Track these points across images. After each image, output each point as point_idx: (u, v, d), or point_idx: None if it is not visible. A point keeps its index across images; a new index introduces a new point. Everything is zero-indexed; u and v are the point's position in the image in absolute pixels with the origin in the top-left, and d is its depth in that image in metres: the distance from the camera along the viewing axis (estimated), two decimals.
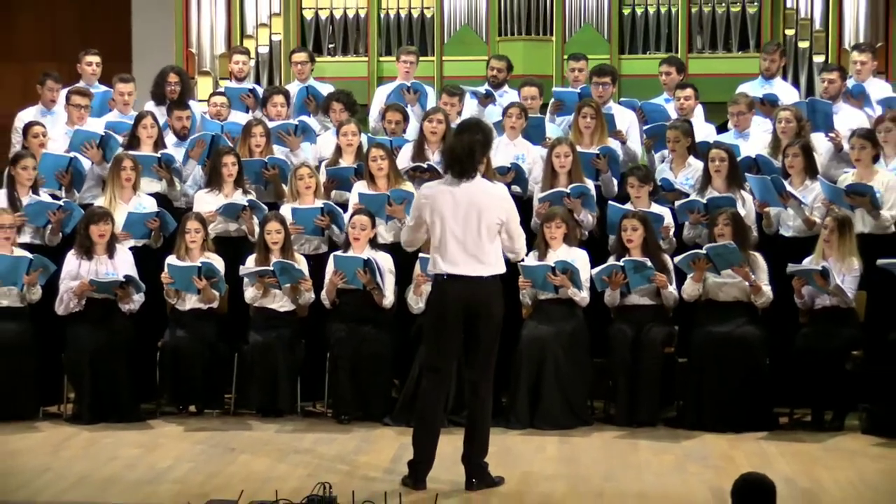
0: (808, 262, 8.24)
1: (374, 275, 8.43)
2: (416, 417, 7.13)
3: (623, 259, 8.31)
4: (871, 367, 8.15)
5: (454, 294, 6.81)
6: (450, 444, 6.98)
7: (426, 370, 7.10)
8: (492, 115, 9.80)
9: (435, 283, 6.96)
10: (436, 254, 6.84)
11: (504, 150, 9.20)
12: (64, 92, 10.03)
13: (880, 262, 8.09)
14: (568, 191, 8.72)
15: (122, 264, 8.63)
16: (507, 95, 10.12)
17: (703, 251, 8.25)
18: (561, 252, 8.43)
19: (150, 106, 10.00)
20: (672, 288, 8.37)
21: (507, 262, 7.51)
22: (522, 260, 8.22)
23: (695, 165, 9.12)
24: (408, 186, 8.87)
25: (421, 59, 11.04)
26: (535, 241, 8.51)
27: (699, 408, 8.23)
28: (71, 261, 8.60)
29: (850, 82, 9.79)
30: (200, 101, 10.52)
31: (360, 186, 8.94)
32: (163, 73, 10.23)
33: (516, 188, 8.91)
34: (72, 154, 9.31)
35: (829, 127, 9.32)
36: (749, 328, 8.25)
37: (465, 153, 6.81)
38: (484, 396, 6.96)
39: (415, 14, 11.56)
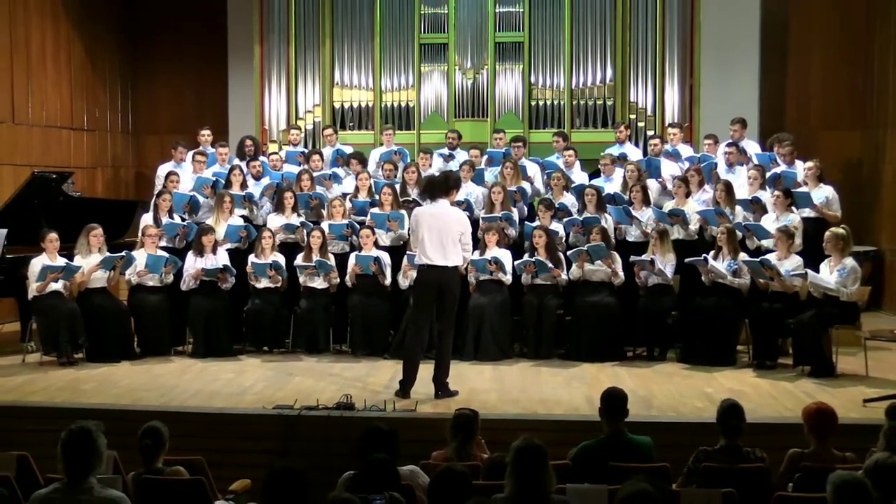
0: (644, 257, 8.21)
1: (381, 266, 8.34)
2: (404, 354, 7.09)
3: (535, 258, 8.25)
4: (683, 321, 8.13)
5: (430, 277, 6.79)
6: (425, 371, 6.91)
7: (410, 324, 7.08)
8: (453, 167, 9.71)
9: (419, 270, 6.94)
10: (419, 251, 6.81)
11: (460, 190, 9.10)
12: (189, 153, 9.89)
13: (687, 260, 8.08)
14: (500, 216, 8.68)
15: (222, 259, 8.53)
16: (459, 155, 10.02)
17: (585, 248, 8.21)
18: (494, 251, 8.36)
19: (236, 161, 9.85)
20: (563, 276, 8.29)
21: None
22: (471, 254, 8.21)
23: (568, 197, 9.06)
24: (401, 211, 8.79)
25: (406, 132, 11.07)
26: (479, 243, 8.44)
27: (578, 347, 8.18)
28: (190, 258, 8.48)
29: (668, 146, 9.75)
30: (271, 153, 10.38)
31: (373, 210, 8.83)
32: (242, 140, 10.09)
33: (466, 212, 8.80)
34: (192, 193, 9.22)
35: (658, 175, 9.31)
36: (609, 298, 8.21)
37: (438, 183, 6.90)
38: (446, 340, 6.93)
39: (403, 104, 11.45)
